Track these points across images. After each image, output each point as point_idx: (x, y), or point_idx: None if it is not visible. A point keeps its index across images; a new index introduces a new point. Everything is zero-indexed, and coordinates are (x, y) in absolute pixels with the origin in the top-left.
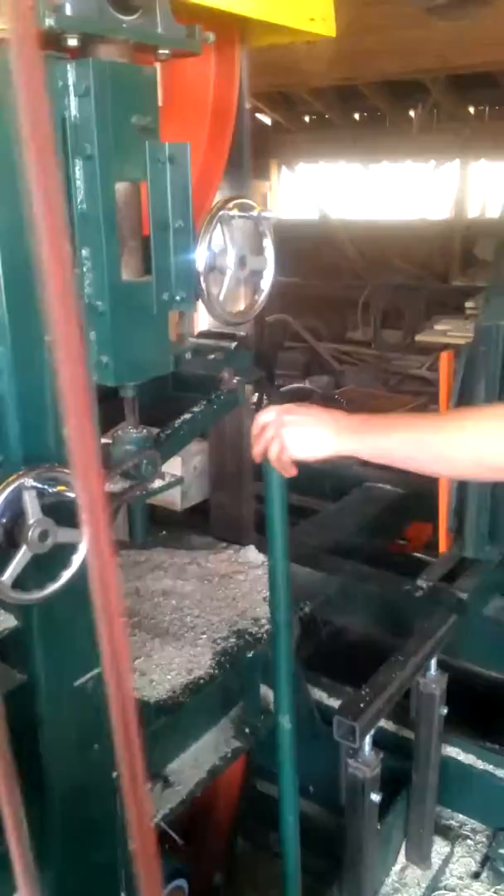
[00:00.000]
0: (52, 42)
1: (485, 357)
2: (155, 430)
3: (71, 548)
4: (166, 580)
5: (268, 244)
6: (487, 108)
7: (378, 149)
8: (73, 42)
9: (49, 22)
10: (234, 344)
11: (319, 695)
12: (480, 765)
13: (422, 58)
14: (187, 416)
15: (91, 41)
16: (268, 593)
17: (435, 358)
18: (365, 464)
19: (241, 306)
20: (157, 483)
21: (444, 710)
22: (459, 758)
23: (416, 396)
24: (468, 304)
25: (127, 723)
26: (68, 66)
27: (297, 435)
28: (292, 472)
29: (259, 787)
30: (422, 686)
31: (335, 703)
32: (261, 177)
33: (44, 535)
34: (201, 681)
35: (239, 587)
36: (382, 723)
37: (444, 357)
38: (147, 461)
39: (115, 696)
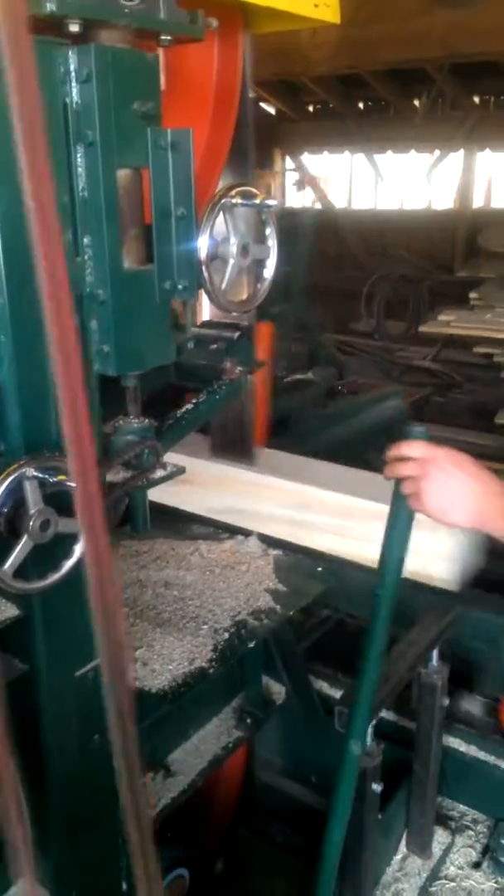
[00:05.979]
0: (53, 27)
1: None
2: (156, 421)
3: (72, 537)
4: (168, 570)
5: (270, 233)
6: (492, 98)
7: (382, 138)
8: (74, 27)
9: (50, 7)
10: (236, 334)
11: (320, 685)
12: (482, 755)
13: (426, 46)
14: (189, 406)
15: (93, 26)
16: (270, 584)
17: (438, 349)
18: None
19: (244, 295)
20: (159, 473)
21: (446, 701)
22: (461, 748)
23: (420, 388)
24: (472, 295)
25: (123, 713)
26: (70, 52)
27: (435, 494)
28: (421, 508)
29: (260, 777)
30: (423, 676)
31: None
32: (265, 166)
33: (45, 525)
34: (202, 671)
35: (241, 577)
36: (384, 713)
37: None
38: (148, 451)
39: (110, 686)
